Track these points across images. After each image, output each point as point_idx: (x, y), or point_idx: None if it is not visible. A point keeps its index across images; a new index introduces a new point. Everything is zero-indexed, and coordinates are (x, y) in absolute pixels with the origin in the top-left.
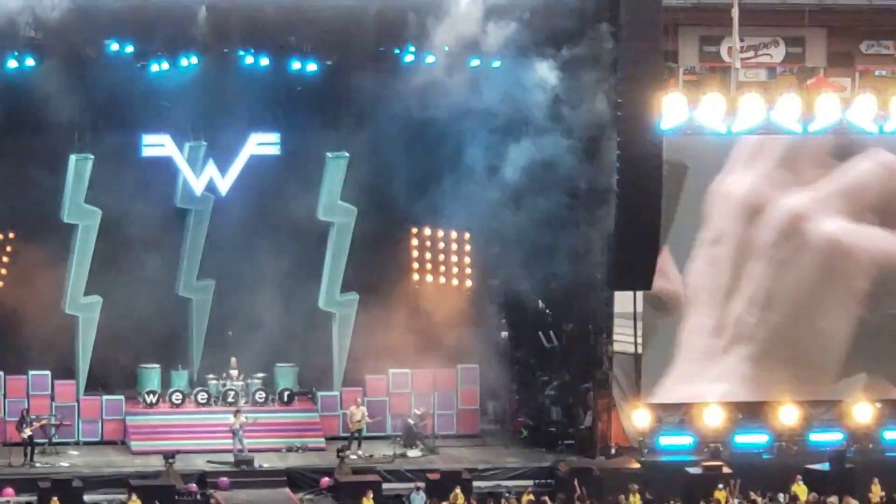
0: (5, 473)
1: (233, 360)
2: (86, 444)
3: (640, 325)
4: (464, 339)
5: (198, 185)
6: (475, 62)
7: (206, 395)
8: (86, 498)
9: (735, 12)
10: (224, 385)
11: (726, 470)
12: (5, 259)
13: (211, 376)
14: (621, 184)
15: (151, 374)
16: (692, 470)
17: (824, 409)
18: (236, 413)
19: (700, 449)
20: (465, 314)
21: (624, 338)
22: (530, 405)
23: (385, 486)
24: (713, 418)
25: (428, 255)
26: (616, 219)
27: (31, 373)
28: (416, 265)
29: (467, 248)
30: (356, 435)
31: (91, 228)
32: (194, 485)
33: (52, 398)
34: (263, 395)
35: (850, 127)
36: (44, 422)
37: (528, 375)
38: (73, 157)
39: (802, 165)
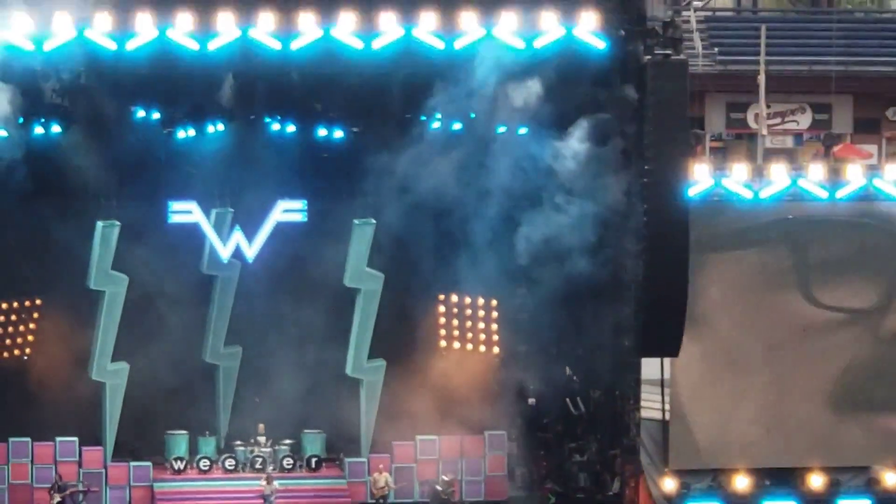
0: None
1: (260, 426)
2: None
3: (667, 391)
4: (491, 405)
5: (224, 252)
6: (502, 129)
7: (233, 462)
8: None
9: (762, 79)
10: (252, 451)
11: None
12: (32, 326)
13: (238, 443)
14: (648, 251)
15: (179, 441)
16: None
17: (852, 475)
18: (268, 479)
19: None
20: (493, 381)
21: (651, 404)
22: (558, 472)
23: None
24: (741, 484)
25: (455, 322)
26: (643, 286)
27: (59, 439)
28: (443, 332)
29: (494, 314)
30: (381, 502)
31: (118, 295)
32: None
33: (80, 465)
34: (291, 461)
35: (878, 193)
36: (72, 489)
37: (555, 442)
38: (99, 224)
39: None
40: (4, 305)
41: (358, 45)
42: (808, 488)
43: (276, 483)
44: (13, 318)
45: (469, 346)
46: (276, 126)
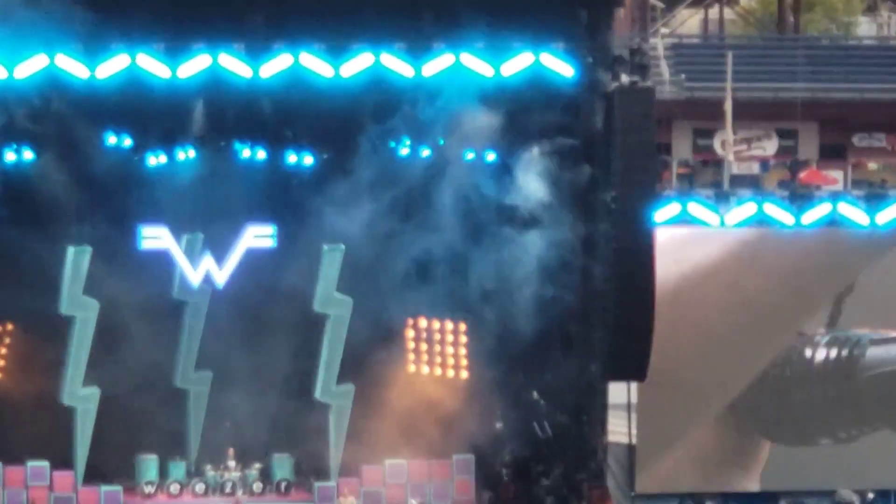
0: None
1: (230, 450)
2: None
3: (633, 415)
4: (459, 429)
5: (195, 278)
6: (470, 155)
7: (203, 486)
8: None
9: (728, 106)
10: (222, 475)
11: None
12: (3, 350)
13: (209, 467)
14: (615, 276)
15: (149, 465)
16: None
17: (817, 500)
18: (237, 503)
19: None
20: (461, 405)
21: (618, 428)
22: (525, 496)
23: None
24: None
25: (424, 346)
26: (610, 311)
27: (30, 463)
28: (412, 356)
29: (463, 338)
30: None
31: (89, 320)
32: None
33: (51, 488)
34: (261, 485)
35: (843, 220)
36: None
37: (522, 466)
38: (71, 249)
39: None
40: None
41: (328, 72)
42: None
43: None
44: None
45: (438, 370)
46: (246, 152)
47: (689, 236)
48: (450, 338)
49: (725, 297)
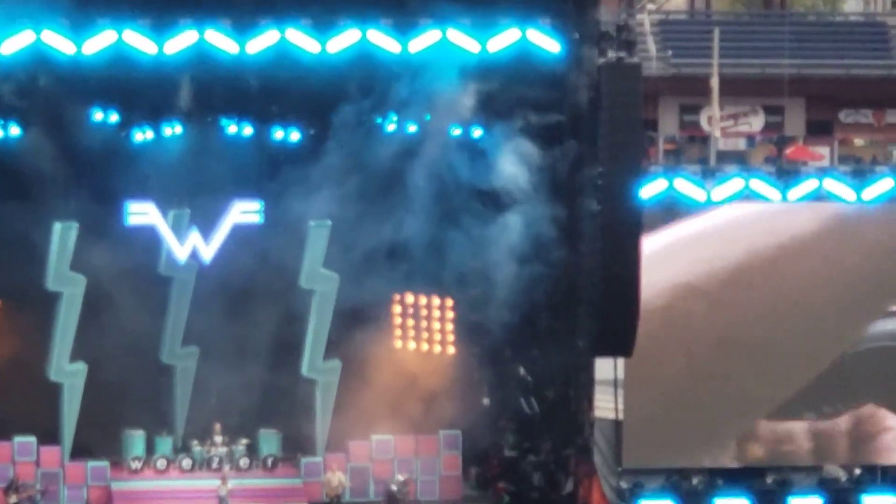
0: None
1: (217, 426)
2: None
3: (620, 391)
4: (446, 405)
5: (181, 253)
6: (456, 130)
7: (190, 461)
8: None
9: (715, 82)
10: (208, 451)
11: None
12: None
13: (195, 442)
14: (602, 252)
15: (136, 440)
16: None
17: (805, 475)
18: (223, 479)
19: None
20: (448, 380)
21: (605, 404)
22: (512, 472)
23: None
24: (694, 483)
25: (410, 322)
26: (597, 287)
27: (17, 439)
28: (398, 332)
29: (449, 314)
30: (336, 501)
31: (76, 296)
32: None
33: (38, 464)
34: (247, 460)
35: (829, 196)
36: (31, 491)
37: (509, 442)
38: (57, 225)
39: None
40: None
41: (314, 48)
42: (760, 487)
43: (231, 483)
44: None
45: (424, 346)
46: (232, 128)
47: (784, 208)
48: (436, 313)
49: (820, 271)
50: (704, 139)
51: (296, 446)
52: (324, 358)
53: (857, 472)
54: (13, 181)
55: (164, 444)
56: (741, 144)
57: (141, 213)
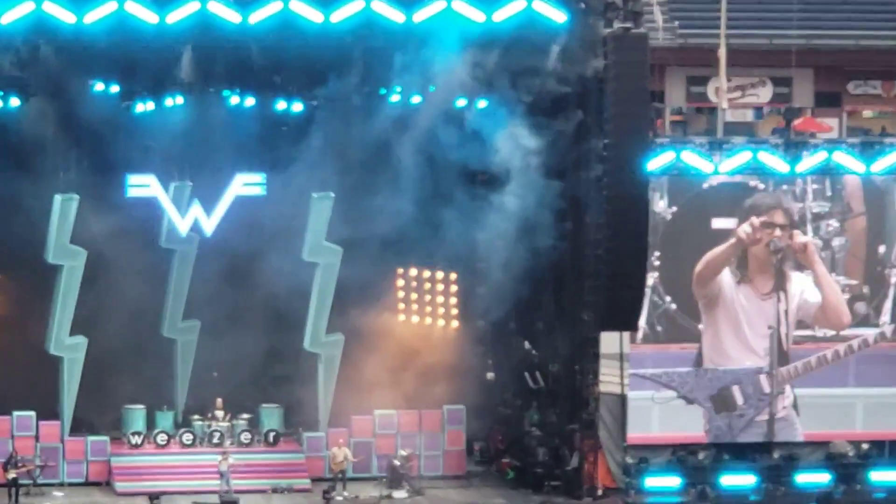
0: None
1: (218, 400)
2: (70, 485)
3: (626, 365)
4: (450, 379)
5: (183, 226)
6: (461, 101)
7: (191, 436)
8: None
9: (722, 53)
10: (209, 426)
11: None
12: None
13: (196, 417)
14: (608, 225)
15: (136, 415)
16: None
17: (811, 450)
18: (224, 455)
19: (687, 490)
20: (452, 355)
21: (610, 378)
22: (517, 446)
23: None
24: (700, 459)
25: (414, 296)
26: (603, 260)
27: (16, 414)
28: (402, 306)
29: (453, 288)
30: (340, 476)
31: (76, 269)
32: None
33: (37, 439)
34: (249, 435)
35: (837, 168)
36: (30, 466)
37: (514, 416)
38: (58, 198)
39: None
40: None
41: (317, 17)
42: (766, 463)
43: (232, 458)
44: None
45: (428, 320)
46: (234, 99)
47: None
48: (440, 287)
49: None
50: (712, 110)
51: (298, 421)
52: (326, 332)
53: (865, 447)
54: (13, 153)
55: (165, 418)
56: (749, 116)
57: (142, 185)
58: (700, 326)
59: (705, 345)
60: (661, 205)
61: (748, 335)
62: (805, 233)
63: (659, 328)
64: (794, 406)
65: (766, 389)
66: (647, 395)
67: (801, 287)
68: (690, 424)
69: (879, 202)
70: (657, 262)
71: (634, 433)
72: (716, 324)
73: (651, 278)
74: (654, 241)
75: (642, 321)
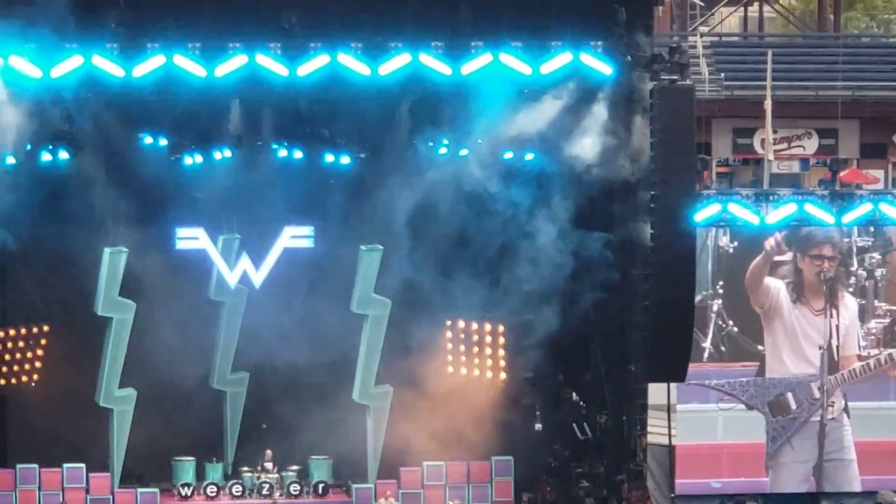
0: None
1: (267, 452)
2: None
3: (673, 416)
4: (498, 431)
5: (232, 278)
6: (508, 155)
7: (240, 488)
8: None
9: (768, 104)
10: (259, 477)
11: None
12: (39, 352)
13: (245, 468)
14: (655, 276)
15: (186, 467)
16: None
17: (858, 500)
18: None
19: None
20: (499, 406)
21: (658, 429)
22: (565, 497)
23: None
24: None
25: (462, 348)
26: (650, 311)
27: (66, 466)
28: (450, 357)
29: (501, 340)
30: None
31: (125, 321)
32: None
33: (88, 491)
34: (298, 487)
35: (883, 219)
36: None
37: (562, 467)
38: (106, 251)
39: None
40: (12, 332)
41: (365, 71)
42: None
43: None
44: (21, 344)
45: (476, 372)
46: (283, 152)
47: None
48: (488, 339)
49: None
50: (758, 162)
51: (347, 472)
52: (375, 383)
53: None
54: (62, 206)
55: (215, 470)
56: (795, 167)
57: (191, 237)
58: (760, 347)
59: (767, 357)
60: (724, 240)
61: (804, 346)
62: (851, 264)
63: (723, 348)
64: (845, 410)
65: (817, 395)
66: (713, 406)
67: (854, 306)
68: (751, 432)
69: None
70: (721, 290)
71: (701, 441)
72: (775, 336)
73: (716, 304)
74: (719, 272)
75: (707, 342)
